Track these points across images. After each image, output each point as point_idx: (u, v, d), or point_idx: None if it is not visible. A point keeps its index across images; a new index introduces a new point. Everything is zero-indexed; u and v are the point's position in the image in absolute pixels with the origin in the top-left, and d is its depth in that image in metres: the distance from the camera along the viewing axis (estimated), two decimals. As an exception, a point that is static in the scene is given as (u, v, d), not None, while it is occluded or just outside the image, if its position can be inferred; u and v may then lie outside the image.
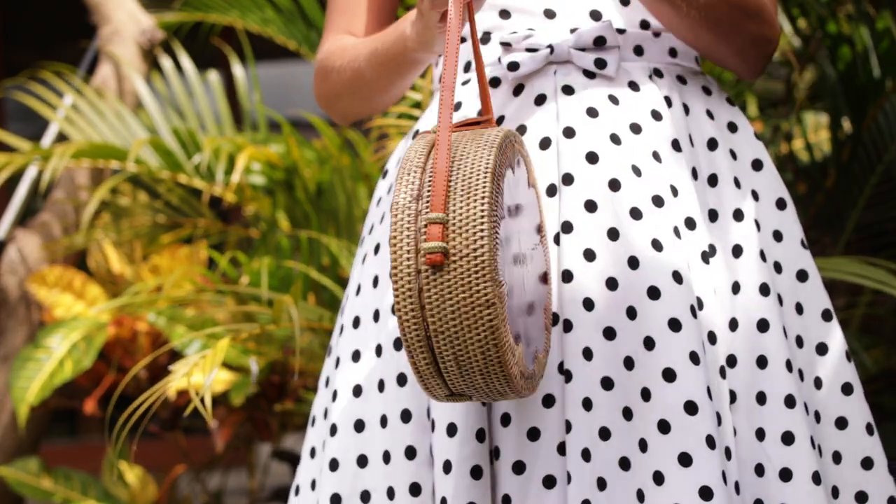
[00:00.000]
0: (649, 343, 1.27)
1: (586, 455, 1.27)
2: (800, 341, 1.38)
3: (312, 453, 1.47)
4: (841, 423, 1.38)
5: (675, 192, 1.34)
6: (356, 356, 1.38)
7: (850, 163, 2.49)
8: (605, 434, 1.28)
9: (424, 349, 1.12)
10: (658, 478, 1.25)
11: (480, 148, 1.14)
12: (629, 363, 1.28)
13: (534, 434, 1.30)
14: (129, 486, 2.65)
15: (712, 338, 1.32)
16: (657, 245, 1.30)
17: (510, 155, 1.17)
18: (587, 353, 1.28)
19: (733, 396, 1.33)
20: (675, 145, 1.36)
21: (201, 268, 2.66)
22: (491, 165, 1.12)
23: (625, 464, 1.27)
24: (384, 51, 1.40)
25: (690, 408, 1.25)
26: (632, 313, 1.29)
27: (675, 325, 1.27)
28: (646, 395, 1.27)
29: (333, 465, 1.37)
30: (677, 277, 1.29)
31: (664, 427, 1.26)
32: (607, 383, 1.28)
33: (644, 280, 1.29)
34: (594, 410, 1.28)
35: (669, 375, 1.26)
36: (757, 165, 1.42)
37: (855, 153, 2.49)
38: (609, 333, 1.28)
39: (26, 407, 2.40)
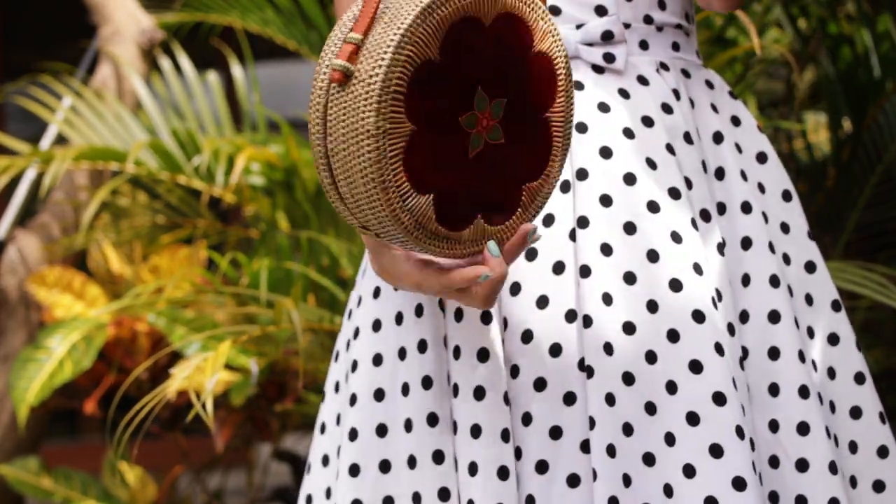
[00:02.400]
0: (673, 336, 1.27)
1: (611, 451, 1.27)
2: (811, 332, 1.38)
3: (325, 461, 1.45)
4: (855, 412, 1.38)
5: (689, 184, 1.34)
6: (377, 359, 1.37)
7: (850, 163, 2.50)
8: (627, 430, 1.27)
9: (326, 168, 1.12)
10: (689, 471, 1.24)
11: None
12: (651, 357, 1.27)
13: (556, 433, 1.29)
14: (129, 486, 2.66)
15: (731, 329, 1.32)
16: (676, 237, 1.29)
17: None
18: (608, 349, 1.28)
19: (747, 388, 1.33)
20: (687, 138, 1.36)
21: (201, 268, 2.66)
22: (424, 2, 1.10)
23: (649, 459, 1.27)
24: None
25: (719, 398, 1.25)
26: (653, 307, 1.28)
27: (698, 316, 1.27)
28: (671, 387, 1.26)
29: (353, 470, 1.36)
30: (698, 269, 1.29)
31: (693, 419, 1.25)
32: (629, 378, 1.28)
33: (664, 273, 1.28)
34: (617, 406, 1.27)
35: (696, 367, 1.26)
36: (762, 158, 1.42)
37: (855, 153, 2.49)
38: (629, 328, 1.28)
39: (26, 407, 2.40)
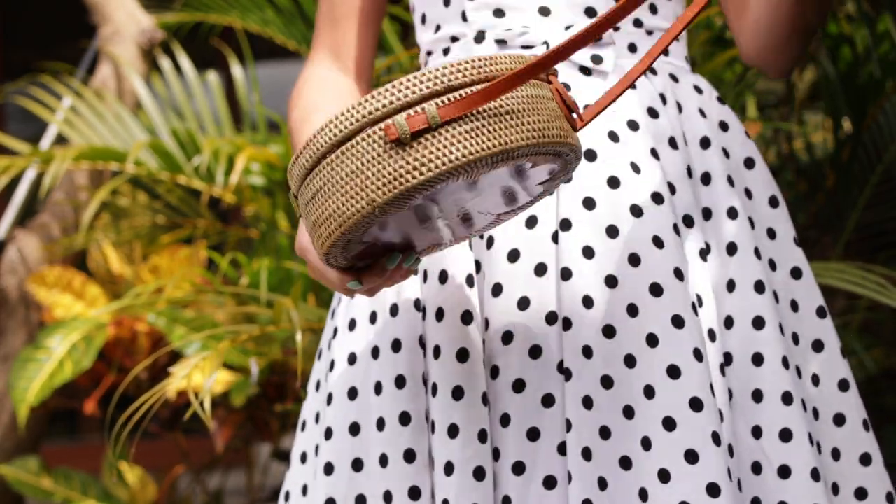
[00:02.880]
0: (652, 340, 1.27)
1: (587, 454, 1.27)
2: (795, 338, 1.38)
3: (303, 458, 1.46)
4: (839, 419, 1.38)
5: (672, 189, 1.34)
6: (352, 359, 1.38)
7: (850, 163, 2.50)
8: (605, 433, 1.27)
9: (312, 160, 1.09)
10: (664, 475, 1.25)
11: (529, 123, 1.07)
12: (630, 361, 1.28)
13: (533, 434, 1.29)
14: (129, 486, 2.66)
15: (711, 335, 1.32)
16: (658, 242, 1.30)
17: (545, 156, 1.11)
18: (587, 352, 1.28)
19: (730, 395, 1.33)
20: (672, 143, 1.36)
21: (201, 268, 2.66)
22: (511, 146, 1.06)
23: (625, 463, 1.27)
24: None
25: (695, 405, 1.25)
26: (633, 311, 1.28)
27: (678, 321, 1.27)
28: (649, 392, 1.26)
29: (328, 469, 1.37)
30: (679, 274, 1.29)
31: (669, 424, 1.25)
32: (607, 382, 1.28)
33: (646, 277, 1.28)
34: (595, 409, 1.27)
35: (674, 372, 1.26)
36: (749, 164, 1.42)
37: (855, 153, 2.49)
38: (609, 332, 1.28)
39: (26, 407, 2.40)
